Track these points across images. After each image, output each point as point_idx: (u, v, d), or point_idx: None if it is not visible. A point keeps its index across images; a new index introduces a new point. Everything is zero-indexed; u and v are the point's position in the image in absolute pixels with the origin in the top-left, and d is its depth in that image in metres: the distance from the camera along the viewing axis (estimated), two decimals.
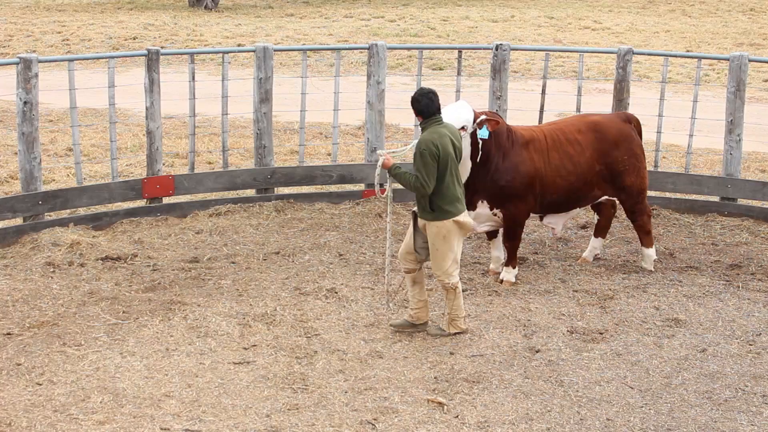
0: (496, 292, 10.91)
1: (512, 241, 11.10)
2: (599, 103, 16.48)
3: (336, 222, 12.84)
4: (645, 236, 11.69)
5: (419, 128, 9.91)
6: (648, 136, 15.23)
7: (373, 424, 8.25)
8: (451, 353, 9.51)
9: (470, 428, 8.25)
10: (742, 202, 13.44)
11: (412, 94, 9.68)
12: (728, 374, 9.27)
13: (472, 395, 8.76)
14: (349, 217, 13.05)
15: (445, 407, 8.54)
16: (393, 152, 10.07)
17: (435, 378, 9.02)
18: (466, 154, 10.48)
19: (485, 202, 10.85)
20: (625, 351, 9.66)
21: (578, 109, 13.90)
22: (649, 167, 14.11)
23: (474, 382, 8.97)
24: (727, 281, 11.39)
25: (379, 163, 9.70)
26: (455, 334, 9.82)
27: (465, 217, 9.66)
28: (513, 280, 11.14)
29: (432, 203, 9.52)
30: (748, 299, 10.92)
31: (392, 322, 9.99)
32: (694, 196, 13.60)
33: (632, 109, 13.82)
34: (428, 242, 9.68)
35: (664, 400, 8.83)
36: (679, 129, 14.83)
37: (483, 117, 10.48)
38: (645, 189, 11.71)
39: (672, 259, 11.98)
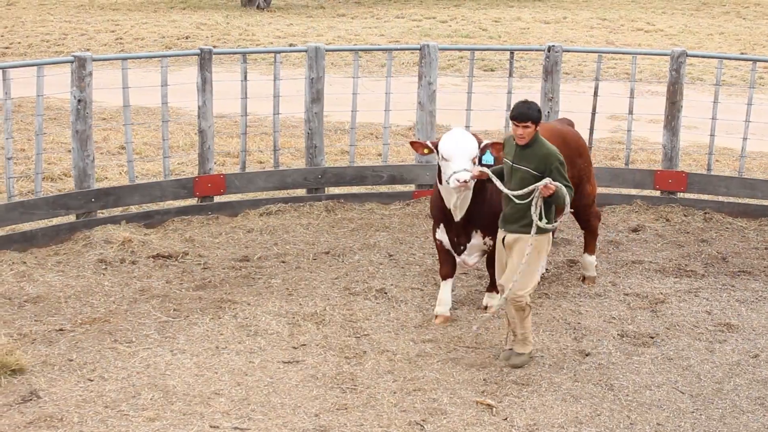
0: (546, 294, 10.85)
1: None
2: (652, 105, 16.36)
3: (386, 222, 12.84)
4: (592, 241, 11.22)
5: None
6: (701, 139, 15.16)
7: (421, 425, 8.24)
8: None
9: (519, 431, 8.22)
10: None
11: (522, 106, 9.00)
12: None
13: (521, 398, 8.72)
14: (399, 217, 13.05)
15: (494, 409, 8.52)
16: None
17: (484, 380, 9.00)
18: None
19: (479, 231, 10.02)
20: (676, 355, 9.58)
21: (630, 112, 13.80)
22: (702, 171, 14.04)
23: (523, 384, 8.94)
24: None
25: (537, 193, 8.86)
26: (530, 353, 9.34)
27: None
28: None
29: (542, 216, 8.94)
30: None
31: (512, 363, 9.29)
32: (747, 200, 13.47)
33: (686, 112, 13.74)
34: (515, 259, 9.07)
35: (715, 405, 8.74)
36: (732, 132, 14.70)
37: (486, 142, 9.72)
38: (595, 195, 11.26)
39: (725, 263, 11.86)
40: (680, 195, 13.64)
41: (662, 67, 21.13)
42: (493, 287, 10.38)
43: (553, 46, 13.71)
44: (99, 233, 11.87)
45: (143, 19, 29.57)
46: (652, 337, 9.93)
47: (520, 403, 8.63)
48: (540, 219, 8.92)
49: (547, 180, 8.85)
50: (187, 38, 26.64)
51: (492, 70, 22.63)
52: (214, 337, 9.67)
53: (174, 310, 10.23)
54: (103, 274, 11.02)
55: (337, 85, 17.53)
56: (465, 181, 9.36)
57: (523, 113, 8.94)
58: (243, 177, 13.21)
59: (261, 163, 15.14)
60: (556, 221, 9.12)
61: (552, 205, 9.03)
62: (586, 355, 9.54)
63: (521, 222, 9.04)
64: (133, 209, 12.68)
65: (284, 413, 8.38)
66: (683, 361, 9.49)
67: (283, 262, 11.54)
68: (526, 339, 9.33)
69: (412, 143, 10.14)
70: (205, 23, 29.16)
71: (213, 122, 13.01)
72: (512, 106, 9.16)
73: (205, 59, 12.72)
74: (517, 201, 8.97)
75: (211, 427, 8.14)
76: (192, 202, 12.95)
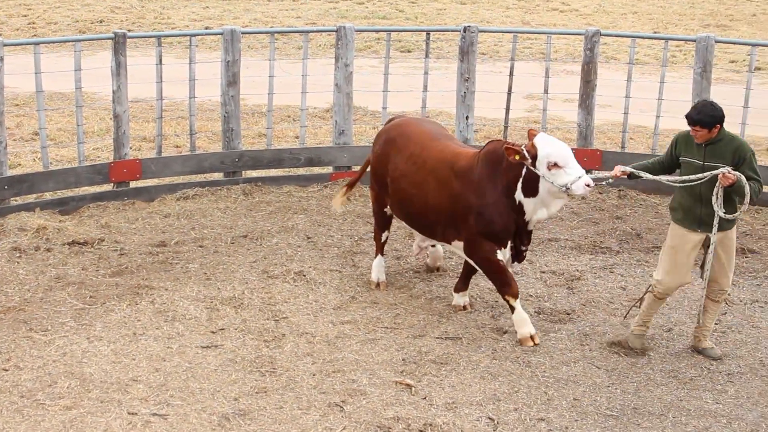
0: None
1: None
2: (567, 85, 16.49)
3: (304, 205, 12.82)
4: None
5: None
6: (615, 117, 15.32)
7: (341, 407, 8.26)
8: (420, 335, 9.52)
9: (438, 409, 8.27)
10: None
11: (692, 112, 8.82)
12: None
13: (440, 377, 8.78)
14: (317, 199, 13.03)
15: (413, 389, 8.56)
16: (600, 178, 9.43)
17: (403, 360, 9.04)
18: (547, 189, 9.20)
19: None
20: (592, 331, 9.71)
21: (546, 91, 13.92)
22: (616, 148, 14.21)
23: (442, 363, 9.00)
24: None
25: (718, 184, 8.72)
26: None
27: None
28: None
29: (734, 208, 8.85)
30: None
31: (632, 343, 9.37)
32: (660, 177, 13.61)
33: (600, 91, 13.89)
34: (720, 255, 9.00)
35: (630, 379, 8.88)
36: (646, 110, 14.87)
37: None
38: None
39: (639, 239, 12.04)
40: (595, 173, 13.79)
41: (577, 47, 21.31)
42: (463, 286, 10.12)
43: (469, 26, 13.77)
44: (13, 221, 11.70)
45: (56, 3, 29.10)
46: (569, 314, 10.05)
47: (439, 382, 8.69)
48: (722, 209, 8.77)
49: (725, 168, 8.66)
50: (101, 22, 26.29)
51: (409, 51, 22.65)
52: (132, 323, 9.59)
53: (90, 297, 10.12)
54: (18, 263, 10.87)
55: (254, 68, 17.43)
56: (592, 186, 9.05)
57: (692, 118, 8.79)
58: (159, 162, 13.10)
59: (177, 147, 15.02)
60: (737, 211, 8.82)
61: (732, 196, 8.82)
62: (504, 333, 9.62)
63: (720, 218, 8.86)
64: (48, 196, 12.52)
65: (203, 398, 8.34)
66: (599, 336, 9.62)
67: (201, 246, 11.47)
68: (709, 333, 9.38)
69: (506, 148, 9.12)
70: (119, 7, 28.79)
71: (128, 107, 12.88)
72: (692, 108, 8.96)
73: (119, 43, 12.57)
74: (679, 185, 8.97)
75: (129, 413, 8.09)
76: (108, 187, 12.80)
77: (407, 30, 23.14)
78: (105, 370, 8.71)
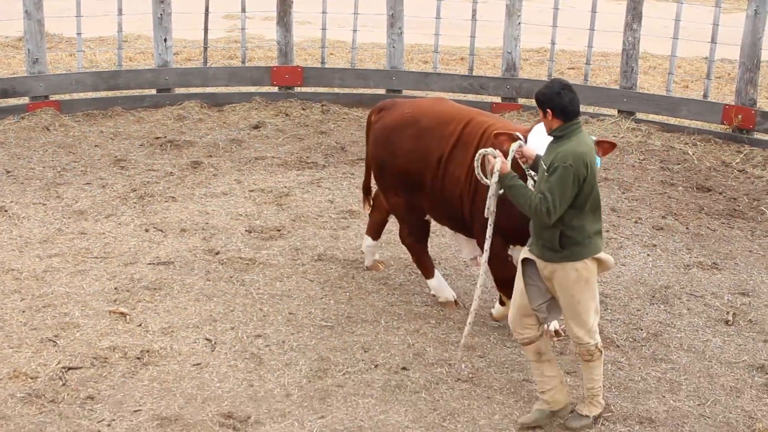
0: (173, 198, 10.84)
1: None
2: (265, 3, 16.45)
3: (1, 138, 12.34)
4: None
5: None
6: (314, 33, 15.46)
7: (54, 341, 8.08)
8: (131, 263, 9.40)
9: (154, 335, 8.24)
10: (407, 92, 13.87)
11: (544, 87, 7.06)
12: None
13: (154, 302, 8.73)
14: (14, 131, 12.57)
15: (128, 317, 8.48)
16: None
17: (115, 289, 8.92)
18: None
19: None
20: (303, 245, 9.86)
21: (243, 10, 13.86)
22: (317, 65, 14.37)
23: (155, 289, 8.94)
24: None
25: (497, 167, 7.22)
26: (598, 416, 7.46)
27: (605, 254, 7.26)
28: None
29: (562, 239, 7.06)
30: None
31: (521, 419, 7.40)
32: (361, 90, 13.93)
33: (298, 8, 13.97)
34: (559, 294, 7.22)
35: (343, 289, 9.10)
36: (344, 25, 15.07)
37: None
38: None
39: (344, 152, 12.27)
40: (297, 89, 13.92)
41: None
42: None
43: None
44: None
45: None
46: (279, 230, 10.16)
47: (154, 308, 8.64)
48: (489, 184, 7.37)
49: (490, 149, 7.40)
50: None
51: None
52: None
53: None
54: None
55: None
56: None
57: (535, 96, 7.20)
58: None
59: None
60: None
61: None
62: (216, 254, 9.64)
63: (540, 245, 7.19)
64: None
65: None
66: (310, 250, 9.78)
67: None
68: (594, 397, 7.46)
69: (496, 134, 7.61)
70: None
71: None
72: None
73: None
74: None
75: None
76: None
77: None
78: None
